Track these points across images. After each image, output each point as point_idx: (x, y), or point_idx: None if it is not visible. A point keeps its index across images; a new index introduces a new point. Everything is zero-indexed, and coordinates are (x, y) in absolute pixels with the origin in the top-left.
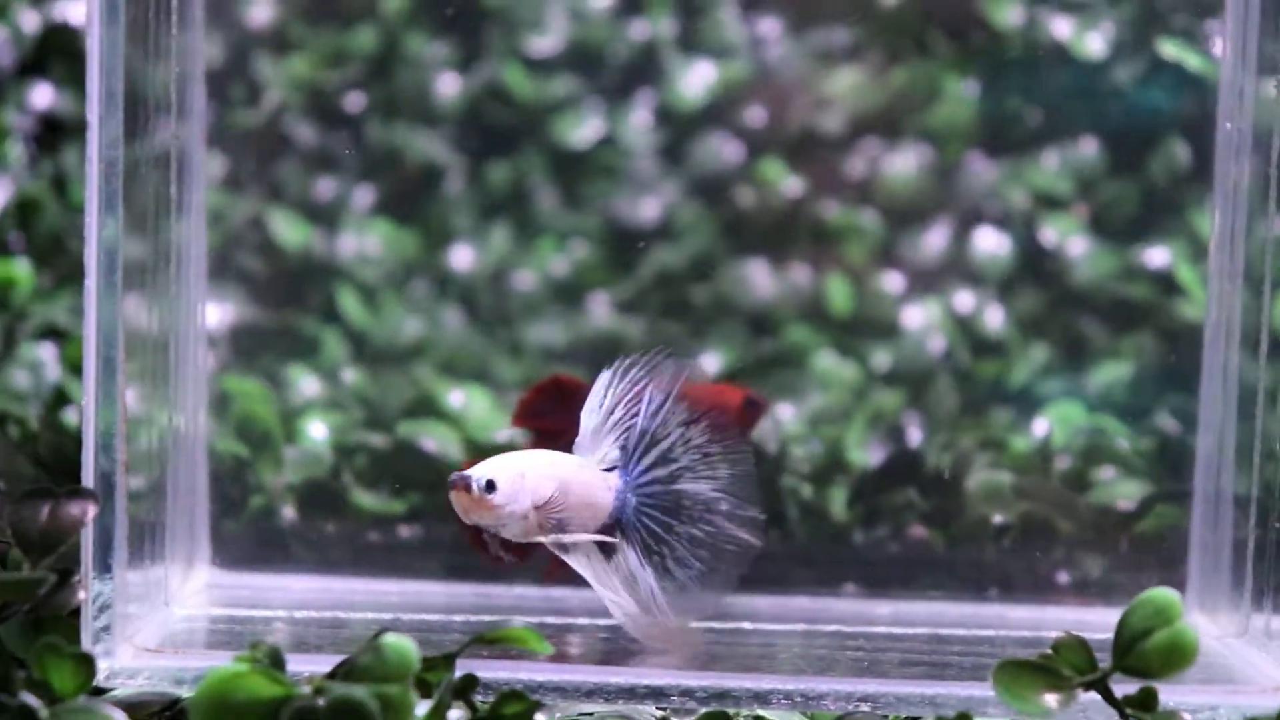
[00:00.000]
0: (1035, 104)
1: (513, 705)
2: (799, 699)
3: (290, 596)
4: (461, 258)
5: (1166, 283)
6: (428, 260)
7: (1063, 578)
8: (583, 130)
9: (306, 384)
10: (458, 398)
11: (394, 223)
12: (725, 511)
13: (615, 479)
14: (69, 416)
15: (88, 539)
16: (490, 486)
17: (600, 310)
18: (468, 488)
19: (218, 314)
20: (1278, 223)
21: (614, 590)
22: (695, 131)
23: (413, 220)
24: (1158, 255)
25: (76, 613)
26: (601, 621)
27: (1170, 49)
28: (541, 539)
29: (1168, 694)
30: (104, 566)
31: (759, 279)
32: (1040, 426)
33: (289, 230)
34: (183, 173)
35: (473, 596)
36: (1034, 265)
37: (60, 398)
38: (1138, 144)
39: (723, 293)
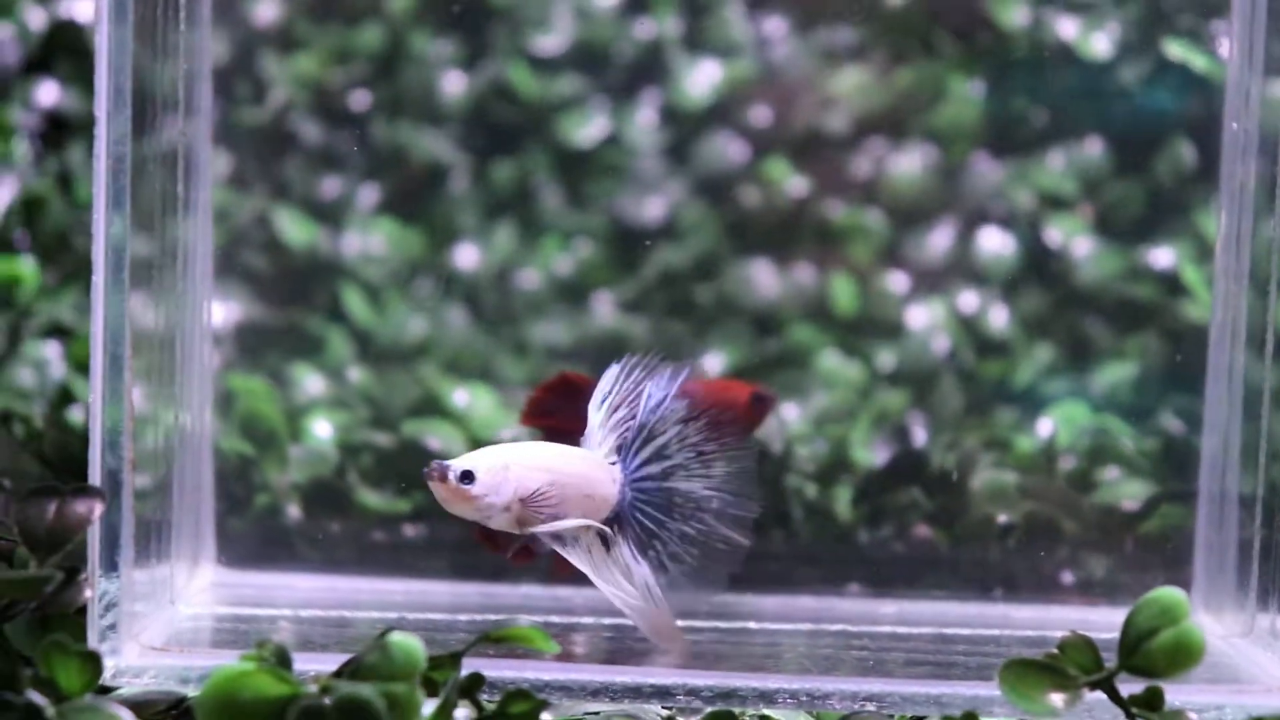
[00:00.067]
0: (1041, 104)
1: (519, 704)
2: (804, 698)
3: (295, 595)
4: (466, 256)
5: (1172, 283)
6: (432, 259)
7: (1067, 578)
8: (588, 129)
9: (311, 382)
10: (462, 397)
11: (399, 221)
12: (716, 510)
13: (618, 471)
14: (74, 415)
15: (94, 537)
16: (467, 477)
17: (605, 309)
18: (443, 477)
19: (223, 312)
20: None
21: (614, 584)
22: (700, 131)
23: (417, 219)
24: (1163, 256)
25: (82, 611)
26: (607, 620)
27: (1176, 49)
28: (532, 530)
29: (1173, 693)
30: (110, 565)
31: (764, 278)
32: (1045, 426)
33: (294, 228)
34: (189, 170)
35: (478, 595)
36: (1039, 265)
37: (65, 396)
38: (1143, 144)
39: (727, 292)
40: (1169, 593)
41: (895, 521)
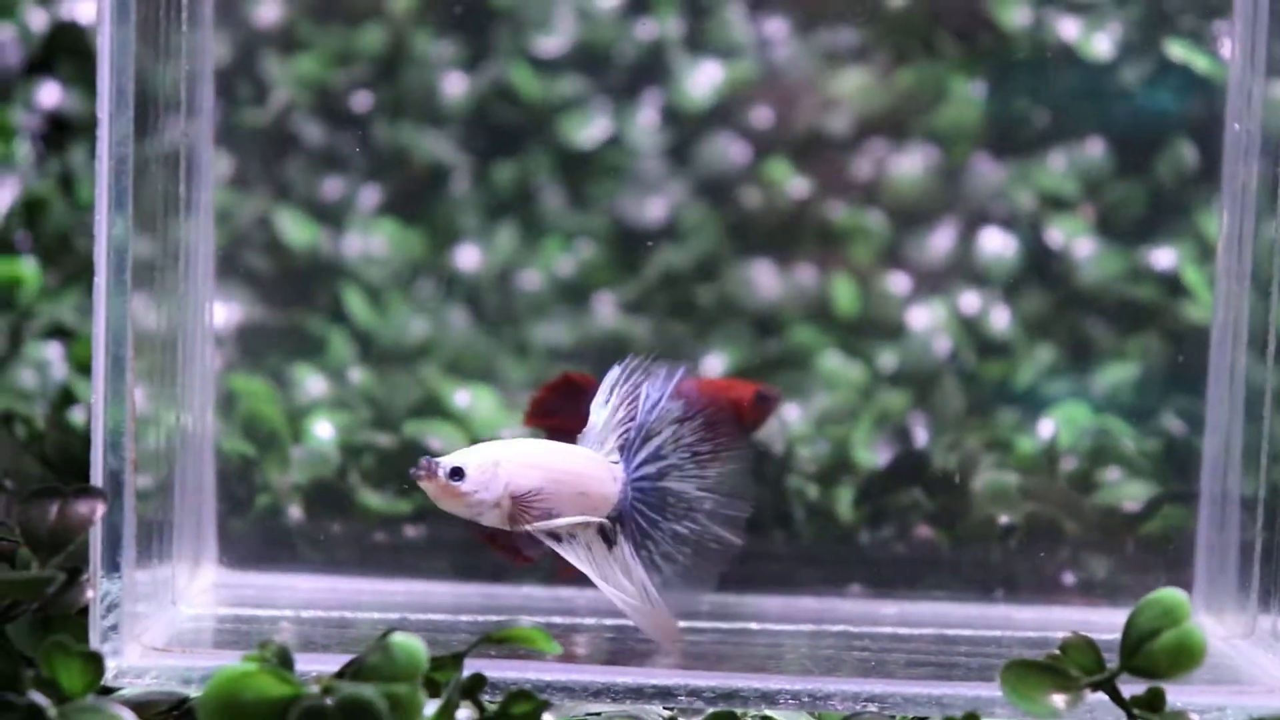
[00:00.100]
0: (1042, 105)
1: (521, 705)
2: (806, 699)
3: (297, 596)
4: (468, 257)
5: (1173, 284)
6: (433, 260)
7: (1069, 578)
8: (589, 130)
9: (313, 383)
10: (464, 397)
11: (400, 222)
12: (708, 510)
13: (620, 470)
14: (76, 416)
15: (96, 538)
16: (457, 474)
17: (606, 310)
18: (432, 474)
19: (225, 313)
20: None
21: (613, 582)
22: (702, 132)
23: (419, 220)
24: (1164, 256)
25: (84, 612)
26: (609, 621)
27: (1178, 50)
28: (524, 528)
29: (1175, 694)
30: (112, 565)
31: (765, 279)
32: (1046, 427)
33: (296, 229)
34: (191, 171)
35: (479, 596)
36: (1040, 266)
37: (67, 397)
38: (1145, 145)
39: (728, 293)
40: (1171, 594)
41: (897, 522)
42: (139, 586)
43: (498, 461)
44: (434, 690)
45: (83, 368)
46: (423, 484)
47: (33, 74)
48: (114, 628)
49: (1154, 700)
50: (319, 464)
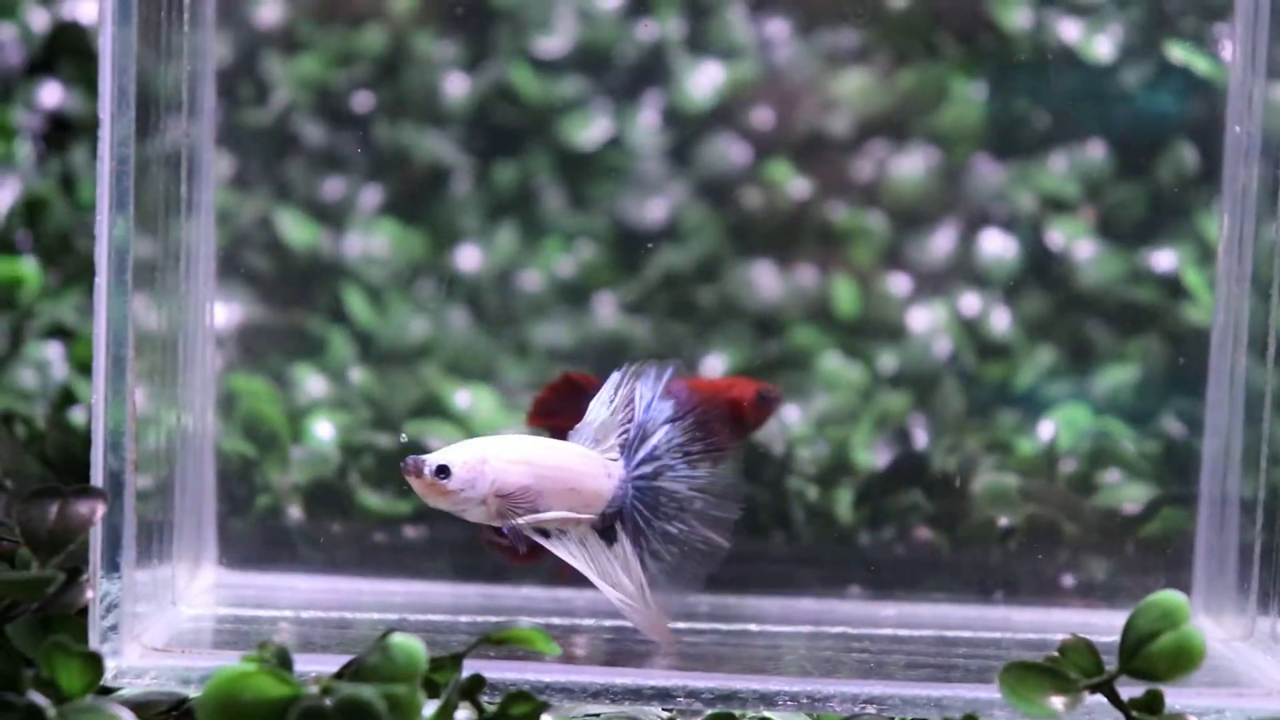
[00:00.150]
0: (1043, 107)
1: (519, 706)
2: (805, 701)
3: (296, 596)
4: (468, 258)
5: (1173, 286)
6: (434, 260)
7: (1068, 580)
8: (590, 131)
9: (313, 384)
10: (464, 398)
11: (401, 222)
12: (698, 510)
13: (619, 468)
14: (76, 416)
15: (96, 538)
16: (443, 471)
17: (606, 311)
18: (418, 472)
19: (225, 313)
20: None
21: (610, 579)
22: (702, 133)
23: (419, 220)
24: (1165, 259)
25: (84, 612)
26: (608, 622)
27: (1178, 52)
28: (513, 524)
29: (1173, 697)
30: (112, 565)
31: (765, 280)
32: (1046, 429)
33: (296, 230)
34: (192, 172)
35: (479, 597)
36: (1041, 268)
37: (67, 397)
38: (1145, 147)
39: (729, 294)
40: (1170, 596)
41: (896, 524)
42: (139, 587)
43: (484, 458)
44: (433, 691)
45: (83, 368)
46: (410, 481)
47: (34, 74)
48: (114, 628)
49: (1153, 703)
50: (319, 464)
